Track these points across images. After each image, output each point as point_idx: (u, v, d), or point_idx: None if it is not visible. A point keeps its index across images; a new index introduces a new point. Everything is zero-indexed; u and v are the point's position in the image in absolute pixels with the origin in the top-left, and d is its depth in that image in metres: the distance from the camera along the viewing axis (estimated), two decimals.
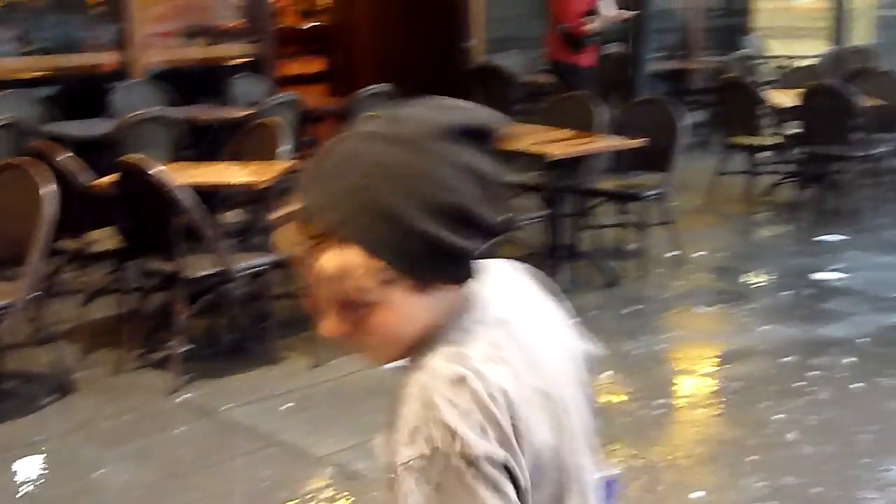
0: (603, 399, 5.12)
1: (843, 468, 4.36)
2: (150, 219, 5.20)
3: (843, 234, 8.17)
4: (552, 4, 9.37)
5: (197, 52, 9.74)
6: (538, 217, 6.61)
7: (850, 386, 5.23)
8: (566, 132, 7.01)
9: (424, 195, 1.34)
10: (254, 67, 9.45)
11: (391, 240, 1.34)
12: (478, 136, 1.40)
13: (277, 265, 5.56)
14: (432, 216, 1.34)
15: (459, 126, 1.40)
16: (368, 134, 1.39)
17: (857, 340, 5.89)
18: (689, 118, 7.41)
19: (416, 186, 1.34)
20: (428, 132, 1.38)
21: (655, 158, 7.20)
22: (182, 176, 5.28)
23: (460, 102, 1.48)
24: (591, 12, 9.13)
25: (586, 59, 9.33)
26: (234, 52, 9.67)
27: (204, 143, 7.64)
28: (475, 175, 1.37)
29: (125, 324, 5.72)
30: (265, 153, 6.08)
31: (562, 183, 6.81)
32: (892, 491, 4.16)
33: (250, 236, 5.99)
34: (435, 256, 1.35)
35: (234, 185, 5.73)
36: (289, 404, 5.00)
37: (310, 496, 4.10)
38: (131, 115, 6.93)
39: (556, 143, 6.67)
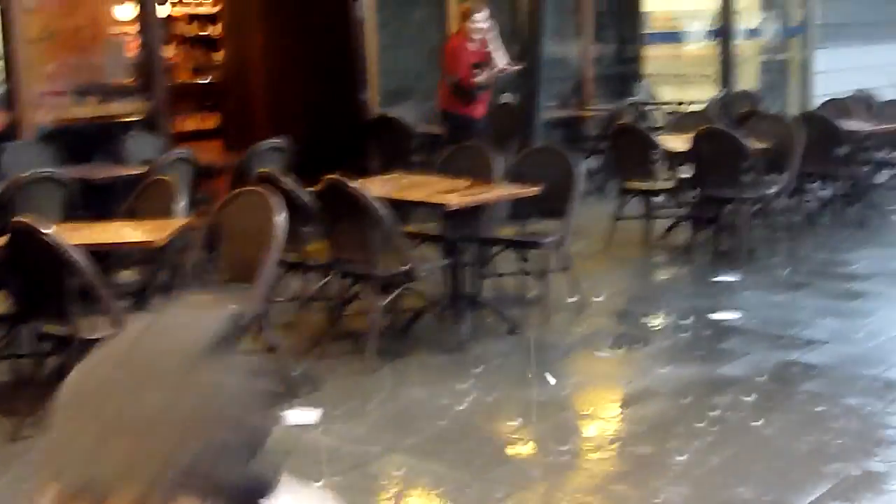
0: (507, 445, 5.12)
1: None
2: (42, 280, 5.08)
3: (737, 274, 8.33)
4: (443, 56, 9.47)
5: (89, 110, 9.60)
6: (438, 267, 6.61)
7: (751, 424, 5.30)
8: (464, 182, 7.05)
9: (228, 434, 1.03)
10: (147, 124, 9.34)
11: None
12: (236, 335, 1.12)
13: None
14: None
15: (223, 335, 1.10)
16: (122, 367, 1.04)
17: (755, 378, 5.99)
18: (585, 164, 7.52)
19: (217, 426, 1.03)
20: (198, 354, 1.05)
21: (552, 205, 7.27)
22: (75, 236, 5.17)
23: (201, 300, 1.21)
24: (481, 64, 9.25)
25: (477, 109, 9.44)
26: (128, 109, 9.55)
27: (97, 203, 7.51)
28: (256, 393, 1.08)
29: (20, 390, 5.55)
30: (160, 211, 6.00)
31: (461, 232, 6.83)
32: None
33: (147, 296, 5.88)
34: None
35: (129, 244, 5.63)
36: None
37: None
38: (21, 175, 6.78)
39: (453, 193, 6.70)
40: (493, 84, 9.48)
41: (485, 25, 9.26)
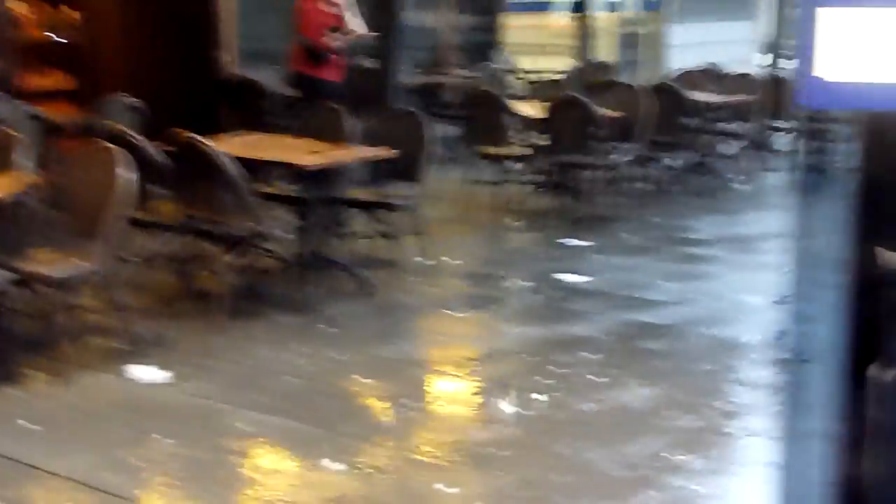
0: (358, 401, 5.16)
1: (582, 460, 4.54)
2: None
3: (588, 239, 8.52)
4: (296, 17, 9.41)
5: None
6: (291, 227, 6.60)
7: (597, 381, 5.45)
8: (319, 144, 7.03)
9: None
10: None
11: None
12: None
13: (17, 282, 5.35)
14: None
15: None
16: None
17: (601, 338, 6.15)
18: (442, 130, 7.58)
19: None
20: None
21: (407, 169, 7.32)
22: None
23: None
24: (336, 29, 9.22)
25: (330, 73, 9.41)
26: None
27: None
28: None
29: None
30: (3, 166, 5.83)
31: (315, 193, 6.82)
32: (624, 482, 4.36)
33: None
34: None
35: None
36: (31, 424, 4.80)
37: None
38: None
39: (309, 154, 6.68)
40: (348, 49, 9.44)
41: None
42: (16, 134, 6.04)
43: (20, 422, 4.81)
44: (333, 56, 9.33)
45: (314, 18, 9.14)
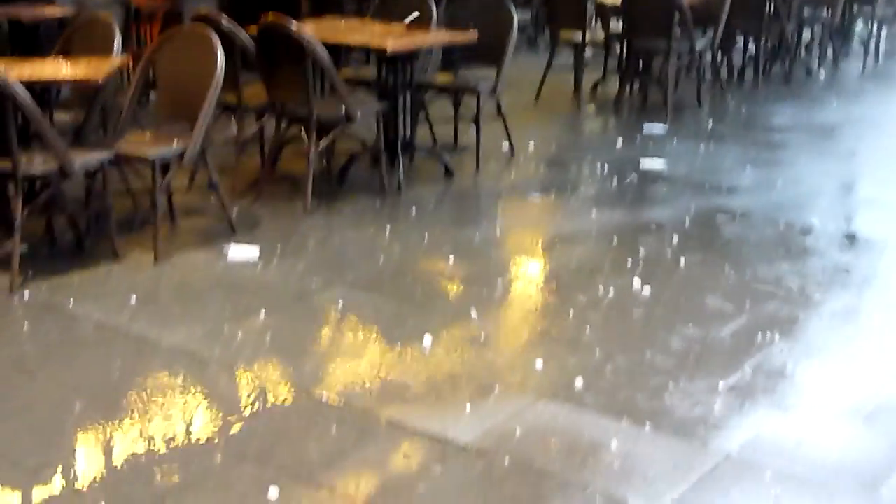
0: (442, 281, 5.32)
1: (670, 336, 4.66)
2: None
3: (664, 126, 8.54)
4: None
5: None
6: (374, 111, 6.70)
7: (675, 263, 5.56)
8: (399, 27, 7.09)
9: None
10: None
11: None
12: None
13: (114, 162, 5.53)
14: None
15: None
16: None
17: (679, 222, 6.23)
18: (519, 15, 7.57)
19: None
20: None
21: (487, 53, 7.36)
22: (13, 73, 5.16)
23: None
24: None
25: None
26: None
27: (26, 43, 7.43)
28: None
29: None
30: (95, 50, 5.97)
31: (396, 77, 6.90)
32: (709, 349, 4.49)
33: (85, 134, 5.91)
34: None
35: (69, 81, 5.63)
36: (134, 298, 5.02)
37: (161, 385, 4.17)
38: None
39: (390, 38, 6.74)
40: None
41: None
42: (109, 18, 6.15)
43: (126, 295, 5.04)
44: None
45: None
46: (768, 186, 7.00)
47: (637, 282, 5.26)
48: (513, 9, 7.49)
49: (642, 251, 5.73)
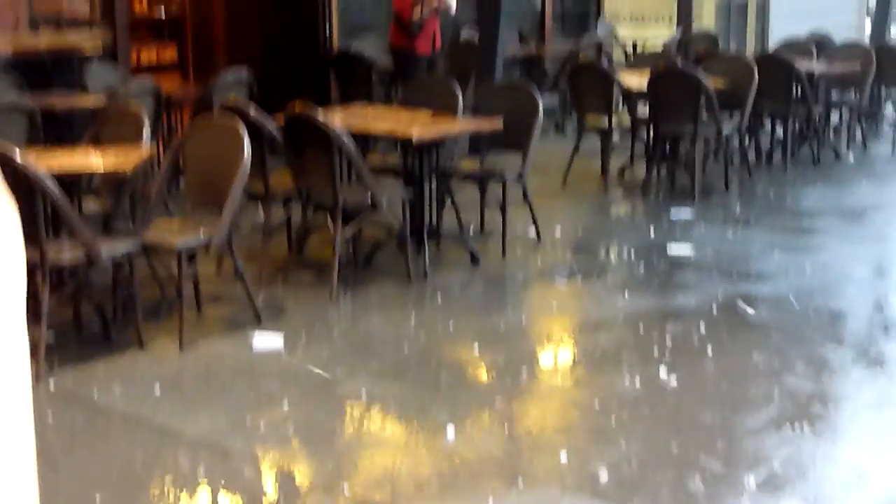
0: (469, 370, 5.31)
1: (698, 428, 4.62)
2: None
3: (691, 211, 8.55)
4: None
5: (46, 40, 9.57)
6: (400, 199, 6.74)
7: (703, 351, 5.52)
8: (425, 115, 7.17)
9: None
10: (107, 56, 9.34)
11: None
12: None
13: (141, 252, 5.58)
14: None
15: None
16: None
17: (706, 309, 6.21)
18: (543, 101, 7.65)
19: None
20: None
21: (513, 139, 7.42)
22: (43, 162, 5.25)
23: None
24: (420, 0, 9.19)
25: (420, 45, 9.50)
26: (86, 40, 9.53)
27: (58, 132, 7.56)
28: None
29: None
30: (125, 138, 6.07)
31: (423, 165, 6.96)
32: (740, 443, 4.44)
33: (113, 222, 5.98)
34: None
35: (98, 171, 5.72)
36: (158, 387, 5.03)
37: (183, 477, 4.17)
38: None
39: (417, 125, 6.82)
40: (432, 20, 9.41)
41: None
42: (139, 109, 6.26)
43: (150, 384, 5.05)
44: (425, 29, 9.38)
45: None
46: (797, 272, 6.97)
47: (664, 370, 5.23)
48: (537, 95, 7.56)
49: (669, 339, 5.70)
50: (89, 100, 8.02)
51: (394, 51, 9.67)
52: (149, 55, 13.46)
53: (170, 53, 13.44)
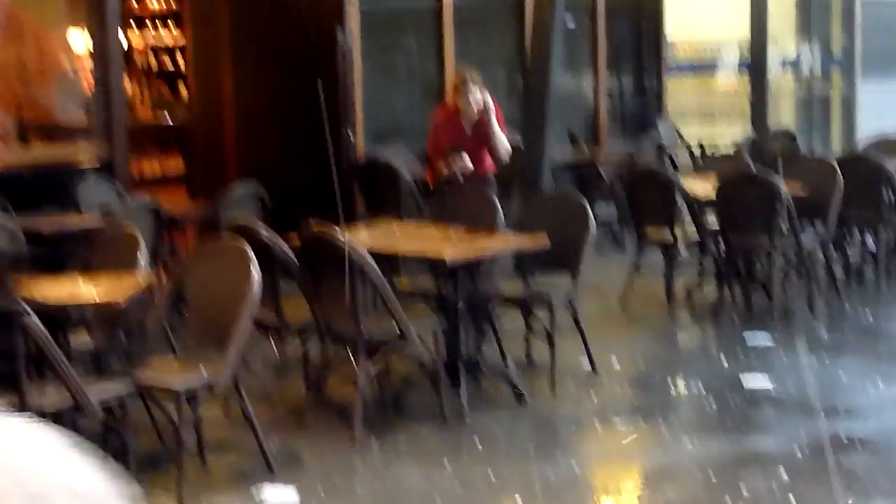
0: None
1: None
2: None
3: (770, 336, 8.47)
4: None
5: (38, 153, 9.77)
6: (433, 329, 6.74)
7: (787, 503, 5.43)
8: (463, 232, 7.19)
9: None
10: (104, 169, 9.51)
11: None
12: None
13: (136, 394, 5.60)
14: None
15: None
16: None
17: (790, 453, 6.11)
18: (599, 212, 7.67)
19: None
20: None
21: (561, 258, 7.43)
22: (29, 293, 5.31)
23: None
24: (457, 148, 8.73)
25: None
26: (82, 152, 9.71)
27: (48, 256, 7.65)
28: None
29: None
30: (121, 265, 6.14)
31: (460, 290, 6.96)
32: None
33: (106, 360, 6.02)
34: None
35: (89, 303, 5.77)
36: None
37: None
38: None
39: (451, 245, 6.84)
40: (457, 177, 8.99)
41: (480, 98, 8.62)
42: (135, 232, 6.34)
43: None
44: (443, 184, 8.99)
45: (439, 134, 8.84)
46: None
47: None
48: (588, 207, 7.59)
49: (746, 489, 5.60)
50: (81, 220, 8.14)
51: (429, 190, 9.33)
52: (151, 167, 13.72)
53: (175, 165, 13.68)
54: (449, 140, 8.51)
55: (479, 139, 8.54)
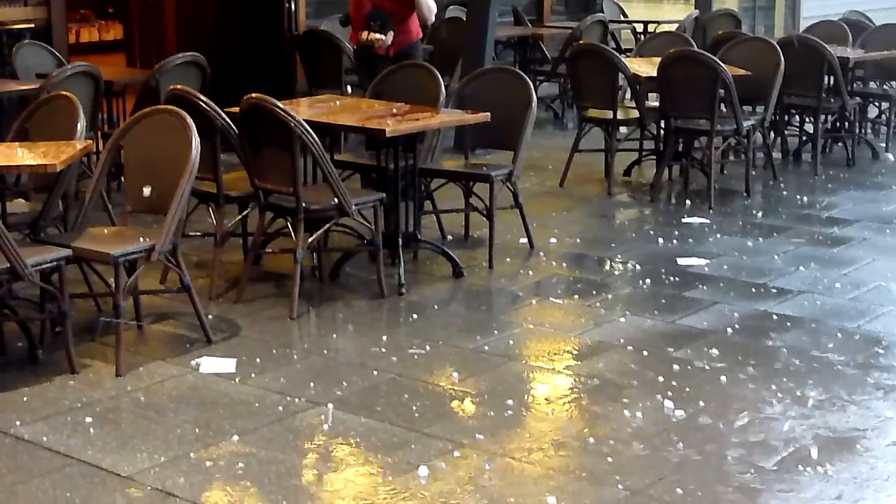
0: (447, 400, 5.31)
1: (706, 467, 4.63)
2: None
3: (707, 216, 8.57)
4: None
5: None
6: (373, 202, 6.74)
7: (715, 380, 5.53)
8: (402, 106, 7.17)
9: None
10: (40, 34, 9.34)
11: None
12: None
13: (73, 260, 5.58)
14: None
15: None
16: None
17: (722, 331, 6.22)
18: (540, 90, 7.66)
19: None
20: None
21: (502, 135, 7.44)
22: None
23: None
24: (380, 16, 8.65)
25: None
26: (17, 16, 9.52)
27: None
28: None
29: None
30: (58, 132, 6.06)
31: (399, 164, 6.96)
32: (752, 489, 4.44)
33: (42, 227, 5.97)
34: None
35: (24, 168, 5.71)
36: (90, 418, 5.02)
37: None
38: None
39: (391, 119, 6.82)
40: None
41: None
42: (72, 97, 6.25)
43: (82, 414, 5.04)
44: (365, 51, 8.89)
45: (364, 1, 8.74)
46: (826, 289, 6.99)
47: (669, 403, 5.23)
48: (530, 85, 7.58)
49: (676, 366, 5.71)
50: (15, 86, 8.02)
51: (355, 53, 9.34)
52: (90, 33, 13.49)
53: (114, 32, 13.45)
54: (372, 3, 8.48)
55: (403, 3, 8.52)
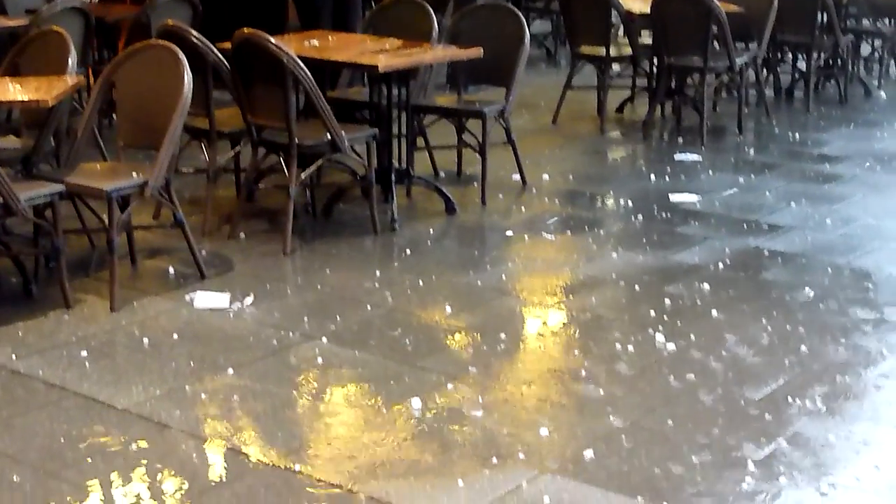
0: (441, 334, 5.34)
1: (696, 400, 4.67)
2: None
3: (699, 154, 8.58)
4: None
5: None
6: (365, 138, 6.74)
7: (707, 314, 5.57)
8: (394, 42, 7.15)
9: None
10: None
11: None
12: None
13: (66, 196, 5.58)
14: None
15: None
16: None
17: (713, 266, 6.26)
18: (533, 27, 7.64)
19: None
20: None
21: (495, 71, 7.43)
22: None
23: None
24: None
25: None
26: None
27: None
28: None
29: None
30: (49, 67, 6.04)
31: (392, 99, 6.95)
32: (741, 421, 4.49)
33: (34, 163, 5.97)
34: None
35: (16, 104, 5.69)
36: (86, 352, 5.05)
37: (112, 454, 4.19)
38: None
39: (383, 54, 6.81)
40: None
41: None
42: (63, 32, 6.22)
43: (77, 348, 5.07)
44: None
45: None
46: (817, 225, 7.03)
47: (661, 336, 5.27)
48: (524, 21, 7.56)
49: (668, 300, 5.75)
50: (6, 21, 7.97)
51: None
52: None
53: None
54: None
55: None
